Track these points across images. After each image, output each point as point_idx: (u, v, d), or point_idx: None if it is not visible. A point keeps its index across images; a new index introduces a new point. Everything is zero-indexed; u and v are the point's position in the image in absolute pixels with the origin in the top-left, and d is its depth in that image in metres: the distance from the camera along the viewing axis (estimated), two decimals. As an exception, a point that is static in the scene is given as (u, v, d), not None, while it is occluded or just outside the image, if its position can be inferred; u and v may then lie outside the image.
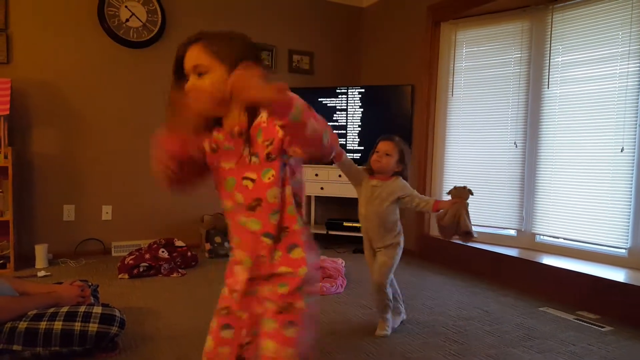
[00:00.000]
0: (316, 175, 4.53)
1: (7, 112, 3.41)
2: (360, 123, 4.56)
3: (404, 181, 2.43)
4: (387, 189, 2.39)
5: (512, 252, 3.55)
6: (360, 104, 4.56)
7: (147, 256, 3.54)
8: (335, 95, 4.64)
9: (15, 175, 3.48)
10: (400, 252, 2.47)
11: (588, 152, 3.24)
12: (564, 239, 3.41)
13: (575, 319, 2.76)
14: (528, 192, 3.62)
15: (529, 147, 3.62)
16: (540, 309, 2.93)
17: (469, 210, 2.26)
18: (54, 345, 1.88)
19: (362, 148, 4.54)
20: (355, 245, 4.56)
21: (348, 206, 5.04)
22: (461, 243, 2.51)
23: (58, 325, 1.89)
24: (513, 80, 3.72)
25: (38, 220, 3.86)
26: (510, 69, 3.73)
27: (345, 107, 4.60)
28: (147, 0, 4.08)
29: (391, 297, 2.47)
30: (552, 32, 3.45)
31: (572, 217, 3.32)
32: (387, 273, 2.43)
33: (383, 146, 2.41)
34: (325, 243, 4.66)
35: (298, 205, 1.20)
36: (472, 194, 2.23)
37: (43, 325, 1.88)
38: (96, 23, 3.95)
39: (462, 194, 2.24)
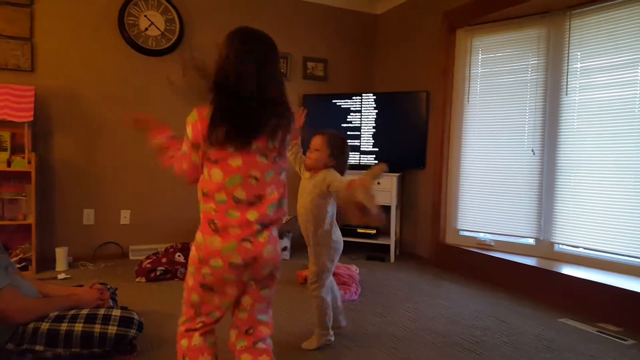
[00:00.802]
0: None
1: (31, 119, 3.49)
2: (374, 125, 4.56)
3: (330, 170, 2.29)
4: (313, 181, 2.30)
5: (530, 261, 3.51)
6: (374, 110, 4.56)
7: (164, 260, 3.58)
8: (349, 101, 4.65)
9: (37, 180, 3.56)
10: (332, 254, 2.37)
11: (608, 159, 3.19)
12: (584, 248, 3.36)
13: (597, 331, 2.71)
14: (546, 200, 3.59)
15: (547, 154, 3.58)
16: (559, 320, 2.89)
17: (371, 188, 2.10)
18: (75, 346, 1.92)
19: (377, 149, 4.55)
20: (369, 252, 4.55)
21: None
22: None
23: (79, 327, 1.93)
24: (530, 86, 3.69)
25: (59, 223, 3.93)
26: (528, 76, 3.71)
27: (360, 112, 4.61)
28: (166, 9, 4.16)
29: (330, 307, 2.40)
30: (571, 38, 3.42)
31: (593, 225, 3.27)
32: (314, 281, 2.36)
33: (313, 141, 2.33)
34: (341, 250, 4.65)
35: (202, 194, 1.48)
36: (384, 172, 2.08)
37: (64, 326, 1.92)
38: (116, 32, 4.03)
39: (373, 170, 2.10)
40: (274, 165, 1.48)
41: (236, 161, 1.43)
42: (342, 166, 2.35)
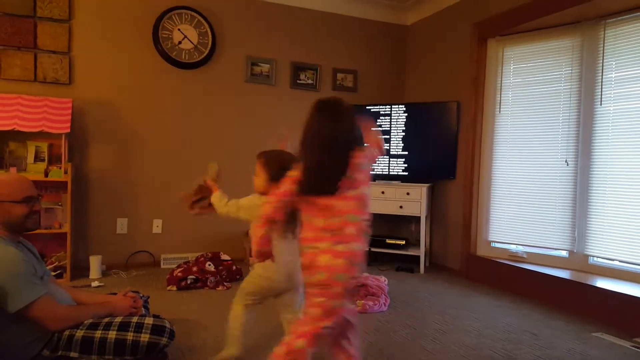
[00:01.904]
0: (360, 192, 4.52)
1: (68, 130, 3.61)
2: (404, 135, 4.54)
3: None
4: None
5: (563, 273, 3.43)
6: (404, 121, 4.55)
7: (195, 269, 3.63)
8: (379, 112, 4.65)
9: (73, 189, 3.66)
10: (250, 282, 2.26)
11: (645, 171, 3.11)
12: (620, 261, 3.26)
13: (632, 346, 2.63)
14: (580, 211, 3.50)
15: (581, 165, 3.50)
16: (593, 334, 2.81)
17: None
18: (108, 353, 1.96)
19: (407, 158, 4.53)
20: (398, 263, 4.52)
21: (391, 223, 5.02)
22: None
23: (112, 334, 1.97)
24: (563, 97, 3.62)
25: (93, 232, 4.04)
26: (561, 86, 3.64)
27: (390, 122, 4.60)
28: (199, 23, 4.25)
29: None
30: (605, 47, 3.35)
31: (628, 238, 3.17)
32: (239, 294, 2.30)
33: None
34: (368, 260, 4.63)
35: None
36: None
37: (98, 334, 1.96)
38: (151, 45, 4.14)
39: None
40: None
41: None
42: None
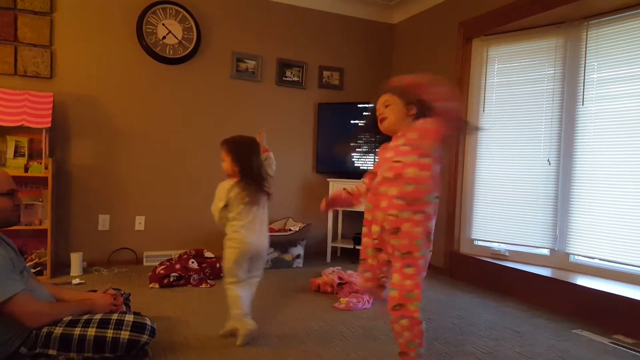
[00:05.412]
0: (344, 189, 4.52)
1: (49, 125, 3.55)
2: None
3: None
4: None
5: (544, 271, 3.47)
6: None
7: (178, 266, 3.60)
8: (365, 110, 4.65)
9: (54, 185, 3.60)
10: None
11: (625, 169, 3.15)
12: (600, 259, 3.31)
13: (611, 343, 2.67)
14: (562, 210, 3.54)
15: (563, 164, 3.55)
16: (573, 331, 2.85)
17: None
18: (87, 351, 1.93)
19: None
20: (383, 261, 4.52)
21: (376, 221, 5.02)
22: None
23: (91, 331, 1.94)
24: (546, 96, 3.66)
25: (74, 229, 3.98)
26: (544, 86, 3.68)
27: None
28: (184, 18, 4.21)
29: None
30: (587, 48, 3.40)
31: (608, 236, 3.22)
32: None
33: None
34: (353, 258, 4.64)
35: None
36: None
37: (77, 331, 1.93)
38: (134, 40, 4.09)
39: None
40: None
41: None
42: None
